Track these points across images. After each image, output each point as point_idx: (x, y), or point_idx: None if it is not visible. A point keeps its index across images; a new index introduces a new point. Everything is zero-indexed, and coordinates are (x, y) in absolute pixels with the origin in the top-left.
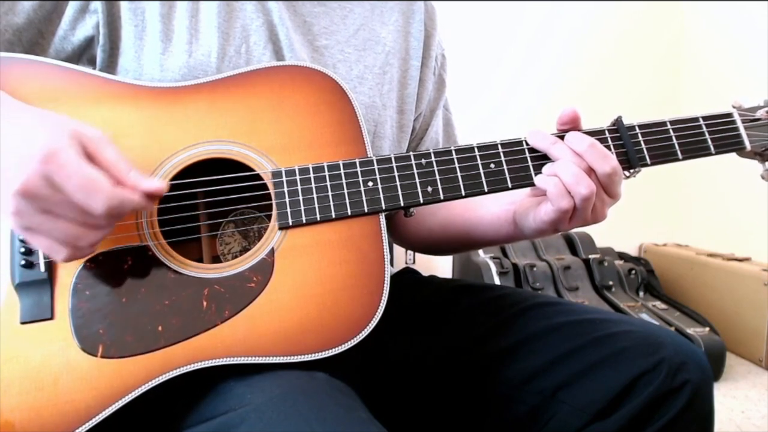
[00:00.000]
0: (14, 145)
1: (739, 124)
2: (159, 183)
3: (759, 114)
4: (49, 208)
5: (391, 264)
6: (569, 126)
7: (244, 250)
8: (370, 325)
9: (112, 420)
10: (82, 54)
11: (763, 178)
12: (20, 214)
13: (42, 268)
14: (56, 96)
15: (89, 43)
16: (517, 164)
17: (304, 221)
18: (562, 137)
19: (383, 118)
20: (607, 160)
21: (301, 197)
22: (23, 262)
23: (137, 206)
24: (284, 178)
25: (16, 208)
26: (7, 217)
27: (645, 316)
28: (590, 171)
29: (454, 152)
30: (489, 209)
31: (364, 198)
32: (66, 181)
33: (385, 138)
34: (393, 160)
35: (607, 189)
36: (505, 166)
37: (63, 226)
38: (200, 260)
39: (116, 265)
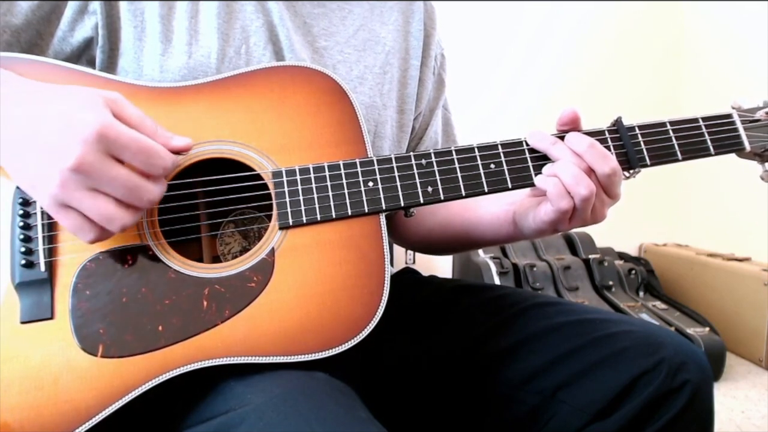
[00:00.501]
0: (61, 123)
1: (739, 125)
2: (186, 139)
3: (758, 115)
4: (96, 186)
5: (391, 264)
6: (569, 126)
7: (244, 250)
8: (370, 325)
9: (112, 420)
10: (81, 55)
11: (762, 179)
12: (65, 186)
13: (42, 267)
14: None
15: (88, 44)
16: (517, 164)
17: (304, 221)
18: (562, 138)
19: (383, 118)
20: (606, 161)
21: (301, 197)
22: (23, 262)
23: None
24: (284, 178)
25: (62, 181)
26: (48, 190)
27: (645, 316)
28: (590, 171)
29: (454, 152)
30: (489, 209)
31: (364, 198)
32: (123, 150)
33: (386, 138)
34: (393, 160)
35: (606, 189)
36: (505, 167)
37: (103, 204)
38: (200, 260)
39: (116, 265)
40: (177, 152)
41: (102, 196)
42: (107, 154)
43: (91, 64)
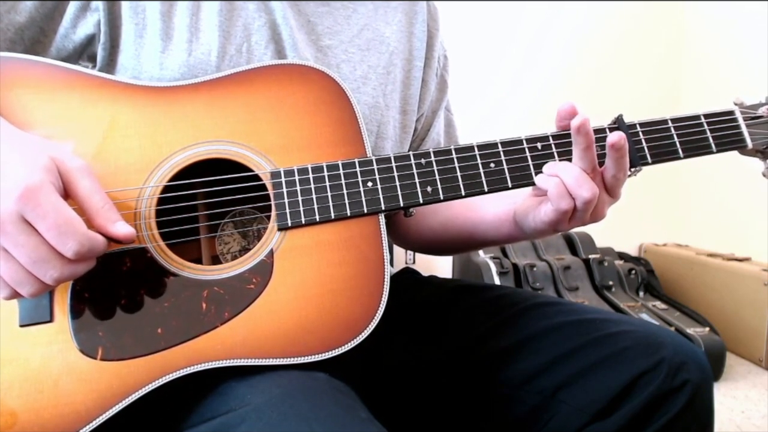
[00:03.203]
0: (1, 171)
1: (741, 122)
2: (128, 229)
3: (761, 111)
4: (7, 247)
5: (391, 264)
6: (568, 121)
7: (244, 249)
8: (369, 326)
9: (112, 421)
10: (83, 52)
11: (764, 175)
12: None
13: None
14: (54, 96)
15: (90, 41)
16: (517, 164)
17: (303, 222)
18: (566, 134)
19: (386, 119)
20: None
21: (300, 198)
22: None
23: (104, 251)
24: (283, 179)
25: None
26: None
27: (645, 316)
28: (595, 172)
29: (453, 152)
30: (490, 209)
31: (363, 198)
32: (40, 219)
33: (388, 138)
34: (392, 160)
35: (610, 190)
36: (505, 166)
37: (13, 267)
38: (199, 260)
39: (115, 267)
40: (117, 240)
41: (12, 260)
42: (22, 218)
43: (92, 60)
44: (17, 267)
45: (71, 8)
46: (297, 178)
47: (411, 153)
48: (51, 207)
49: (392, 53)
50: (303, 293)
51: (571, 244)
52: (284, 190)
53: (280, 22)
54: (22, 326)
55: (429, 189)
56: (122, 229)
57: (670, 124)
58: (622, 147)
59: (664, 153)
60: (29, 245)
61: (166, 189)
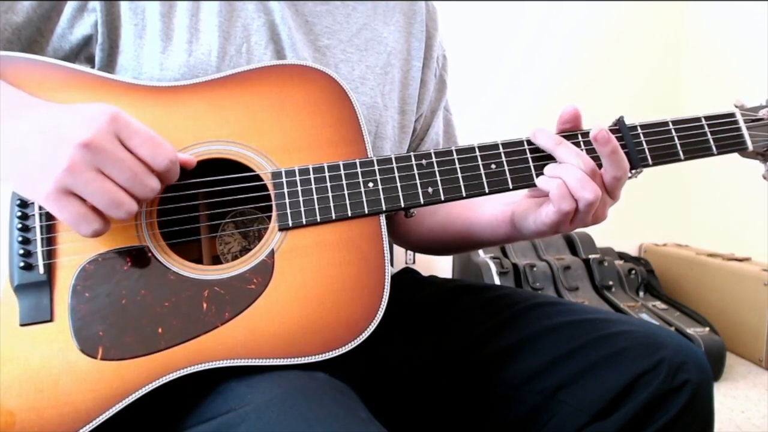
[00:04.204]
0: (77, 108)
1: (742, 124)
2: (189, 156)
3: (761, 114)
4: (103, 166)
5: (391, 264)
6: (570, 125)
7: (244, 249)
8: (370, 327)
9: (112, 421)
10: (80, 52)
11: (764, 178)
12: (74, 168)
13: (41, 270)
14: (55, 96)
15: (87, 41)
16: (518, 165)
17: (304, 222)
18: (566, 137)
19: (385, 119)
20: (622, 164)
21: (301, 198)
22: (22, 264)
23: (178, 174)
24: (284, 179)
25: (72, 161)
26: (54, 175)
27: (645, 316)
28: (595, 174)
29: (454, 152)
30: (488, 209)
31: (364, 199)
32: (132, 136)
33: (387, 138)
34: (393, 160)
35: (611, 191)
36: (506, 167)
37: (110, 187)
38: (200, 260)
39: (116, 267)
40: (187, 163)
41: (108, 180)
42: (117, 136)
43: (90, 62)
44: (114, 187)
45: (68, 8)
46: (298, 178)
47: (412, 154)
48: (139, 126)
49: (390, 53)
50: (304, 293)
51: (571, 244)
52: (285, 190)
53: (278, 22)
54: (22, 325)
55: (430, 190)
56: (184, 155)
57: (671, 126)
58: (609, 141)
59: (664, 155)
60: (128, 159)
61: (167, 189)
